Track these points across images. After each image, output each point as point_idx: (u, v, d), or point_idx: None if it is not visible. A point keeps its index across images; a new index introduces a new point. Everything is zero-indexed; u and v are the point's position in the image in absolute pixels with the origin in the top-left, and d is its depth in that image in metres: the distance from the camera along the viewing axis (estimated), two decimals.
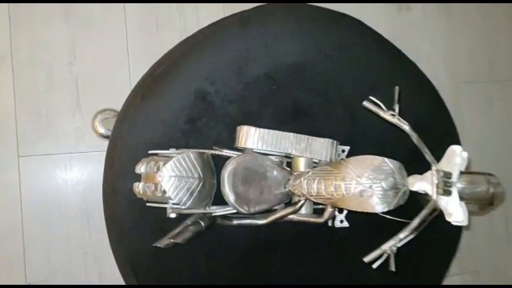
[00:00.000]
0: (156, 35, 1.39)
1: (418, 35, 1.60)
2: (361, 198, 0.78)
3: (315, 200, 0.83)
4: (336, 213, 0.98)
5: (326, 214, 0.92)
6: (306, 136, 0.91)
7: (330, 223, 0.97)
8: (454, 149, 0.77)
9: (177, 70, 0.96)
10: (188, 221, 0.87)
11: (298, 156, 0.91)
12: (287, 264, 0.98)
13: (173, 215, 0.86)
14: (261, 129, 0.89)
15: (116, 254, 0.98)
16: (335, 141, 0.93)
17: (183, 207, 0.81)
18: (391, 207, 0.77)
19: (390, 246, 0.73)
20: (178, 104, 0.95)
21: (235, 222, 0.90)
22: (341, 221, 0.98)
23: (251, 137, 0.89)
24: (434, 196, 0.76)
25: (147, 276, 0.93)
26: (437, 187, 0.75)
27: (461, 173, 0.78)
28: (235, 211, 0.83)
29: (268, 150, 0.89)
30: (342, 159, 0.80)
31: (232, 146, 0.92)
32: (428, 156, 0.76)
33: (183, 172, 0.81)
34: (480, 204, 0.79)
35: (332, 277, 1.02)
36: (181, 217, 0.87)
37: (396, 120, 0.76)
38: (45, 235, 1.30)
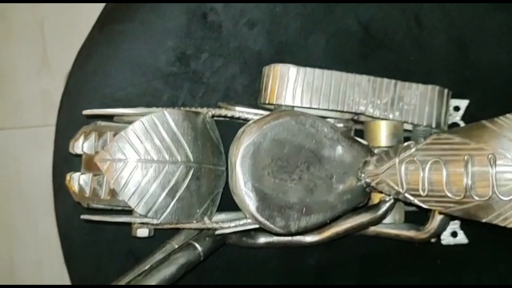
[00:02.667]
0: None
1: None
2: None
3: (424, 205, 0.40)
4: None
5: (433, 225, 0.50)
6: (393, 81, 0.48)
7: (433, 239, 0.53)
8: None
9: None
10: (175, 243, 0.46)
11: (378, 119, 0.48)
12: None
13: (143, 233, 0.45)
14: (309, 69, 0.47)
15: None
16: (446, 90, 0.50)
17: (154, 221, 0.40)
18: None
19: None
20: (159, 32, 0.53)
21: (261, 240, 0.49)
22: (454, 234, 0.54)
23: (290, 84, 0.47)
24: None
25: None
26: None
27: None
28: (256, 226, 0.41)
29: (323, 107, 0.47)
30: (485, 121, 0.37)
31: (255, 102, 0.50)
32: None
33: (152, 152, 0.39)
34: None
35: None
36: (158, 235, 0.47)
37: None
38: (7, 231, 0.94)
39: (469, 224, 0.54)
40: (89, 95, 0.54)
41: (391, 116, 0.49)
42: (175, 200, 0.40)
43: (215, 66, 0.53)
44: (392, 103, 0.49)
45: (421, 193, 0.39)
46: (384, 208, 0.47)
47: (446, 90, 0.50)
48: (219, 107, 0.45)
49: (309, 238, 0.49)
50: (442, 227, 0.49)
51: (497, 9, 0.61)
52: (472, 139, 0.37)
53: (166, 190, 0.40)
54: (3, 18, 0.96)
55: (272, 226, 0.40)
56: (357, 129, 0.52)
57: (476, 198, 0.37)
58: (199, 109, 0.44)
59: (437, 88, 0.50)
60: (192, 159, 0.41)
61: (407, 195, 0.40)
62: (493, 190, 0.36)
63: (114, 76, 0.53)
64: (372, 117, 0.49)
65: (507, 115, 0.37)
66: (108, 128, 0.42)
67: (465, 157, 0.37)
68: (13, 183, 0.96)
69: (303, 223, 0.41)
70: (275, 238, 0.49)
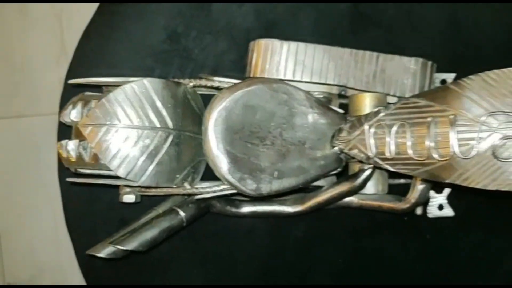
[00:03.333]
0: None
1: None
2: (498, 162, 0.35)
3: (392, 169, 0.41)
4: (432, 192, 0.55)
5: (414, 195, 0.50)
6: (375, 54, 0.49)
7: (419, 211, 0.54)
8: None
9: None
10: (160, 210, 0.49)
11: (361, 91, 0.49)
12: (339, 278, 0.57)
13: (129, 199, 0.47)
14: (293, 43, 0.48)
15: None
16: (430, 62, 0.50)
17: (134, 182, 0.43)
18: None
19: None
20: (152, 12, 0.56)
21: (245, 209, 0.50)
22: (440, 207, 0.55)
23: (273, 57, 0.48)
24: None
25: None
26: None
27: None
28: (233, 191, 0.43)
29: (305, 80, 0.48)
30: (449, 83, 0.37)
31: (243, 77, 0.52)
32: None
33: (131, 118, 0.42)
34: None
35: None
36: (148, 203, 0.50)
37: None
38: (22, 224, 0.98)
39: (456, 197, 0.55)
40: (88, 75, 0.57)
41: (373, 88, 0.50)
42: (154, 163, 0.43)
43: (204, 43, 0.55)
44: (375, 76, 0.50)
45: (388, 156, 0.40)
46: (362, 176, 0.48)
47: (430, 63, 0.51)
48: (200, 78, 0.47)
49: (291, 209, 0.50)
50: (422, 197, 0.50)
51: None
52: (436, 101, 0.38)
53: (146, 154, 0.42)
54: (23, 10, 1.00)
55: (243, 188, 0.41)
56: (343, 104, 0.53)
57: (438, 158, 0.37)
58: (180, 80, 0.46)
59: (420, 60, 0.50)
60: (171, 126, 0.43)
61: (376, 159, 0.41)
62: (453, 150, 0.36)
63: (110, 55, 0.56)
64: (355, 89, 0.50)
65: (470, 76, 0.38)
66: (93, 97, 0.44)
67: (428, 119, 0.38)
68: (33, 170, 1.00)
69: (274, 186, 0.42)
70: (259, 208, 0.50)
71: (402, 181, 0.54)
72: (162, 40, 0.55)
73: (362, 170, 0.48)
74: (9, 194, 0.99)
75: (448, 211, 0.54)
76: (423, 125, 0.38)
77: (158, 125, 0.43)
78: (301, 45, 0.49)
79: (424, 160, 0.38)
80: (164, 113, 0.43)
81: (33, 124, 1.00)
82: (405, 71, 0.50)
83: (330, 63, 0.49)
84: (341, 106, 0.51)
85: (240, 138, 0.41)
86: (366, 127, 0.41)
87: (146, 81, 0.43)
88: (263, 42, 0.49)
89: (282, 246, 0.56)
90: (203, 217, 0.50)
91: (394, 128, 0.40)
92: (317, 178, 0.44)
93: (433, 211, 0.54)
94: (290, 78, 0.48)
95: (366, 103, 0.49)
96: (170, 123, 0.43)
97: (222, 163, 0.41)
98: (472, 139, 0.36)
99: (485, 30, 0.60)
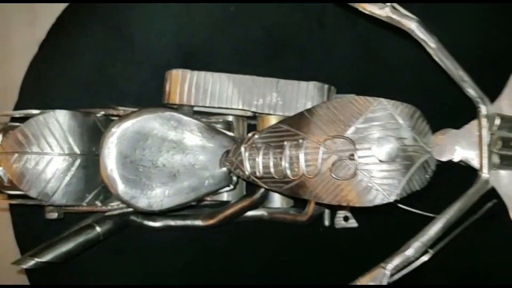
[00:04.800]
0: None
1: None
2: (339, 181, 0.39)
3: (265, 186, 0.46)
4: None
5: (309, 209, 0.55)
6: (275, 80, 0.54)
7: (326, 222, 0.58)
8: None
9: (85, 5, 0.63)
10: (81, 224, 0.54)
11: (265, 114, 0.54)
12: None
13: (52, 215, 0.53)
14: (199, 72, 0.54)
15: None
16: (326, 86, 0.54)
17: (45, 201, 0.49)
18: (398, 195, 0.38)
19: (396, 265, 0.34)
20: (82, 46, 0.62)
21: (158, 224, 0.55)
22: (346, 219, 0.59)
23: (184, 86, 0.54)
24: (485, 170, 0.35)
25: None
26: (490, 151, 0.34)
27: None
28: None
29: (210, 105, 0.54)
30: (304, 110, 0.42)
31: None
32: (471, 87, 0.36)
33: (38, 145, 0.48)
34: None
35: None
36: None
37: (387, 11, 0.37)
38: None
39: (359, 210, 0.59)
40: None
41: (274, 112, 0.54)
42: (63, 185, 0.48)
43: (128, 73, 0.61)
44: (276, 100, 0.54)
45: (258, 175, 0.45)
46: (259, 192, 0.53)
47: (326, 86, 0.55)
48: (108, 108, 0.52)
49: (202, 222, 0.56)
50: (317, 210, 0.54)
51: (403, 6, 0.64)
52: (293, 126, 0.43)
53: (55, 177, 0.48)
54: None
55: (136, 205, 0.47)
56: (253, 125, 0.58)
57: (292, 178, 0.42)
58: (90, 110, 0.52)
59: (317, 84, 0.54)
60: (78, 152, 0.49)
61: (252, 177, 0.46)
62: (301, 170, 0.41)
63: (48, 87, 0.62)
64: (258, 113, 0.55)
65: (320, 104, 0.42)
66: (13, 128, 0.50)
67: (285, 143, 0.43)
68: None
69: (166, 204, 0.47)
70: (171, 222, 0.56)
71: None
72: (90, 72, 0.61)
73: (259, 187, 0.53)
74: None
75: (352, 222, 0.58)
76: (282, 148, 0.43)
77: (65, 151, 0.49)
78: (208, 74, 0.54)
79: (283, 179, 0.43)
80: (71, 140, 0.49)
81: None
82: (304, 95, 0.54)
83: (234, 89, 0.54)
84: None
85: (132, 162, 0.47)
86: (242, 149, 0.46)
87: (54, 112, 0.49)
88: (174, 72, 0.55)
89: (203, 258, 0.61)
90: (121, 231, 0.55)
91: (262, 151, 0.44)
92: (207, 194, 0.49)
93: (339, 222, 0.59)
94: (193, 104, 0.54)
95: (268, 124, 0.54)
96: (76, 149, 0.49)
97: (115, 184, 0.46)
98: (316, 160, 0.40)
99: (397, 50, 0.63)
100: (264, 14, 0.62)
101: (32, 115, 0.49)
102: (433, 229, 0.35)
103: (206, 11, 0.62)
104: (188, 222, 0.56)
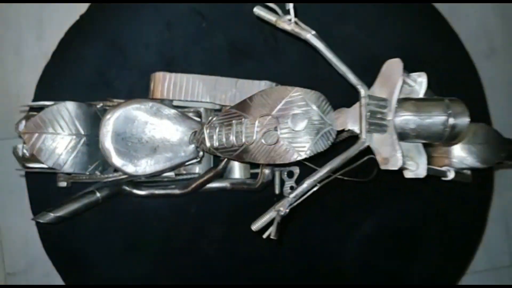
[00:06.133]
0: None
1: None
2: (268, 146, 0.56)
3: (222, 155, 0.62)
4: (286, 177, 0.76)
5: (261, 177, 0.71)
6: (235, 80, 0.70)
7: (277, 191, 0.75)
8: (391, 63, 0.52)
9: (87, 22, 0.80)
10: (86, 191, 0.71)
11: (227, 106, 0.70)
12: (224, 243, 0.78)
13: (62, 184, 0.70)
14: (176, 74, 0.70)
15: None
16: (274, 83, 0.71)
17: (58, 170, 0.65)
18: (308, 154, 0.54)
19: (284, 206, 0.50)
20: (88, 57, 0.79)
21: (144, 192, 0.72)
22: (292, 188, 0.75)
23: (165, 84, 0.70)
24: (363, 135, 0.52)
25: (59, 255, 0.79)
26: (367, 122, 0.51)
27: (407, 100, 0.53)
28: (125, 176, 0.65)
29: (185, 100, 0.70)
30: (247, 98, 0.59)
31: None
32: (352, 77, 0.52)
33: (53, 127, 0.64)
34: (434, 142, 0.53)
35: (287, 263, 0.80)
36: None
37: (292, 26, 0.53)
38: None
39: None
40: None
41: (232, 104, 0.70)
42: (71, 157, 0.65)
43: (121, 76, 0.77)
44: (235, 95, 0.71)
45: (216, 146, 0.61)
46: (221, 164, 0.69)
47: (274, 84, 0.71)
48: (105, 100, 0.69)
49: (178, 191, 0.72)
50: (266, 178, 0.70)
51: (338, 22, 0.82)
52: (239, 109, 0.59)
53: (65, 151, 0.64)
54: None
55: (125, 171, 0.63)
56: None
57: (237, 146, 0.58)
58: (92, 102, 0.68)
59: (268, 82, 0.71)
60: (83, 133, 0.66)
61: (211, 150, 0.62)
62: (243, 140, 0.57)
63: (64, 88, 0.79)
64: (222, 105, 0.71)
65: (256, 93, 0.59)
66: (33, 116, 0.67)
67: (233, 121, 0.59)
68: None
69: (148, 170, 0.64)
70: (155, 191, 0.72)
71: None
72: (92, 75, 0.77)
73: (221, 161, 0.69)
74: None
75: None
76: (231, 125, 0.59)
77: (73, 132, 0.65)
78: (183, 75, 0.70)
79: (232, 147, 0.59)
80: (77, 124, 0.65)
81: None
82: (257, 91, 0.71)
83: (203, 87, 0.71)
84: None
85: (123, 139, 0.63)
86: (204, 129, 0.63)
87: (64, 103, 0.65)
88: (157, 74, 0.71)
89: (180, 220, 0.77)
90: (116, 197, 0.71)
91: (217, 129, 0.61)
92: (181, 165, 0.66)
93: (286, 191, 0.75)
94: (175, 98, 0.70)
95: None
96: (82, 131, 0.66)
97: (110, 155, 0.63)
98: (253, 132, 0.57)
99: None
100: (229, 29, 0.79)
101: (48, 106, 0.66)
102: (322, 171, 0.51)
103: (183, 27, 0.78)
104: (168, 191, 0.72)
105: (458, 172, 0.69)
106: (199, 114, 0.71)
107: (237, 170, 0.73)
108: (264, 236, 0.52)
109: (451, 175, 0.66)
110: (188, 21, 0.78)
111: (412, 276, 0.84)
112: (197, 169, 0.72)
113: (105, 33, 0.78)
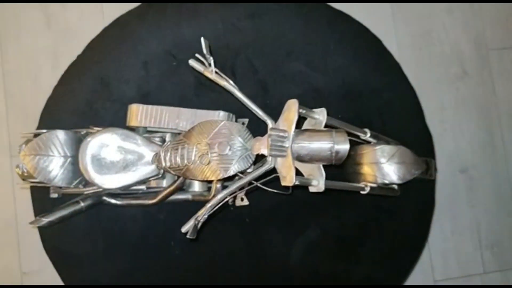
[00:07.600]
0: None
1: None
2: (203, 166, 0.72)
3: (173, 173, 0.78)
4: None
5: (212, 190, 0.86)
6: (195, 110, 0.86)
7: (230, 202, 0.90)
8: (289, 104, 0.67)
9: (82, 59, 0.98)
10: (72, 201, 0.88)
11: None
12: (189, 244, 0.94)
13: (54, 195, 0.87)
14: (146, 106, 0.87)
15: None
16: (229, 113, 0.87)
17: (48, 183, 0.82)
18: (230, 173, 0.70)
19: (202, 214, 0.66)
20: (81, 91, 0.96)
21: (121, 202, 0.88)
22: (242, 199, 0.91)
23: (138, 114, 0.87)
24: (269, 158, 0.67)
25: (55, 252, 0.96)
26: (270, 148, 0.66)
27: (304, 131, 0.68)
28: (101, 189, 0.82)
29: (154, 127, 0.87)
30: (192, 127, 0.74)
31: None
32: (261, 114, 0.68)
33: (45, 150, 0.81)
34: (326, 163, 0.68)
35: (247, 263, 0.95)
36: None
37: (214, 76, 0.69)
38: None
39: (256, 193, 0.91)
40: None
41: None
42: (59, 173, 0.82)
43: (106, 106, 0.95)
44: (193, 123, 0.87)
45: (168, 167, 0.77)
46: (179, 180, 0.85)
47: (230, 114, 0.87)
48: (87, 128, 0.86)
49: (148, 201, 0.88)
50: (217, 191, 0.86)
51: (291, 58, 0.97)
52: (185, 137, 0.75)
53: (55, 168, 0.82)
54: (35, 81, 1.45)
55: (100, 184, 0.80)
56: None
57: (182, 166, 0.74)
58: (78, 130, 0.86)
59: (222, 112, 0.87)
60: (69, 154, 0.83)
61: (166, 168, 0.78)
62: (185, 161, 0.73)
63: (60, 116, 0.97)
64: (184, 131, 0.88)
65: (197, 124, 0.74)
66: (31, 140, 0.84)
67: (180, 146, 0.75)
68: None
69: (119, 184, 0.80)
70: (131, 201, 0.88)
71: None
72: (82, 106, 0.95)
73: (179, 177, 0.85)
74: None
75: (245, 202, 0.90)
76: (178, 148, 0.75)
77: (62, 154, 0.82)
78: (153, 107, 0.87)
79: (179, 167, 0.75)
80: (65, 148, 0.83)
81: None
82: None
83: (168, 116, 0.87)
84: None
85: (98, 159, 0.80)
86: (161, 151, 0.79)
87: (55, 131, 0.83)
88: (131, 106, 0.88)
89: (151, 225, 0.93)
90: (97, 206, 0.88)
91: (169, 152, 0.77)
92: (145, 180, 0.82)
93: (238, 202, 0.90)
94: (147, 126, 0.87)
95: None
96: (68, 153, 0.83)
97: (87, 172, 0.79)
98: (192, 155, 0.73)
99: (286, 89, 0.96)
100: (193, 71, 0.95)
101: (42, 133, 0.84)
102: (233, 186, 0.67)
103: (157, 66, 0.95)
104: (141, 201, 0.88)
105: (385, 187, 0.83)
106: (163, 139, 0.87)
107: (197, 184, 0.89)
108: (183, 230, 0.67)
109: (367, 189, 0.80)
110: (162, 61, 0.95)
111: (354, 277, 0.97)
112: (164, 183, 0.88)
113: (94, 71, 0.96)
